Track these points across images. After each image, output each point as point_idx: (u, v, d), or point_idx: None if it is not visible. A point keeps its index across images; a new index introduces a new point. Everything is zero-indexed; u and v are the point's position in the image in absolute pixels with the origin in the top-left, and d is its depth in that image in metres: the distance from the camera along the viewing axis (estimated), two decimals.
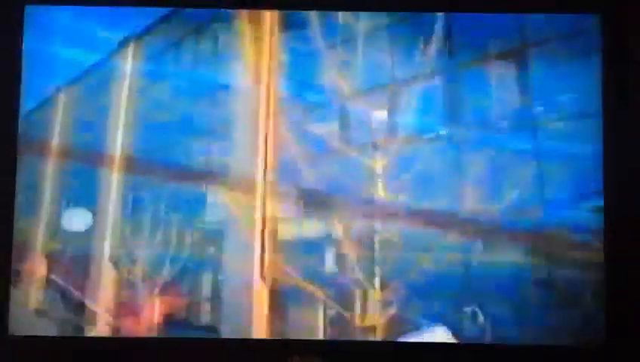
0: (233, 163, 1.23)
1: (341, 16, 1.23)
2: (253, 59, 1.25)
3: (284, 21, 1.24)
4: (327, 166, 1.23)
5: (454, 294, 1.17)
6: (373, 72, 1.23)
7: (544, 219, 1.16)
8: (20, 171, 1.20)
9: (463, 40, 1.21)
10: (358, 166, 1.22)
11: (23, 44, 1.21)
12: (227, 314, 1.20)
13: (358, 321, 1.18)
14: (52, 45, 1.23)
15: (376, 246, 1.19)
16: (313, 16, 1.23)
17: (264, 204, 1.21)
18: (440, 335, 1.16)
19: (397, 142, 1.21)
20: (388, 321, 1.18)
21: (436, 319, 1.16)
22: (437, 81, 1.21)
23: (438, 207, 1.18)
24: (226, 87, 1.24)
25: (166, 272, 1.21)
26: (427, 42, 1.21)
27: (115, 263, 1.23)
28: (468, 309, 1.16)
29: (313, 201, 1.21)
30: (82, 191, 1.25)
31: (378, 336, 1.17)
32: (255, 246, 1.20)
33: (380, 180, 1.20)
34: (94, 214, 1.23)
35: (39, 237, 1.23)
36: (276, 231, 1.21)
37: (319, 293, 1.19)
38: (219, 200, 1.23)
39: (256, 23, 1.25)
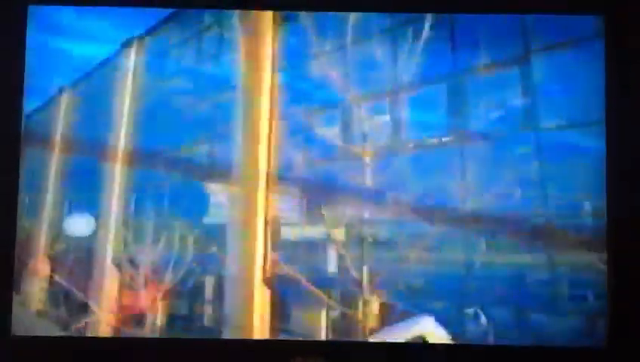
0: (236, 162, 1.23)
1: (341, 17, 1.24)
2: (256, 59, 1.25)
3: (286, 21, 1.25)
4: (329, 166, 1.23)
5: (455, 295, 1.17)
6: (377, 75, 1.22)
7: (546, 219, 1.16)
8: (22, 172, 1.20)
9: (466, 41, 1.21)
10: (358, 166, 1.22)
11: (26, 43, 1.21)
12: (229, 315, 1.20)
13: (358, 320, 1.18)
14: (55, 45, 1.23)
15: (377, 246, 1.19)
16: (314, 16, 1.23)
17: (266, 206, 1.21)
18: (428, 326, 1.16)
19: (399, 144, 1.21)
20: (379, 312, 1.18)
21: (438, 319, 1.17)
22: (440, 82, 1.22)
23: (440, 207, 1.18)
24: (227, 87, 1.24)
25: (168, 273, 1.21)
26: (429, 44, 1.21)
27: (118, 265, 1.23)
28: (470, 311, 1.16)
29: (315, 201, 1.21)
30: (85, 191, 1.25)
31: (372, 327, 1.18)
32: (258, 246, 1.21)
33: (380, 180, 1.20)
34: (97, 217, 1.23)
35: (42, 237, 1.23)
36: (279, 231, 1.21)
37: (321, 293, 1.19)
38: (222, 199, 1.23)
39: (258, 23, 1.25)
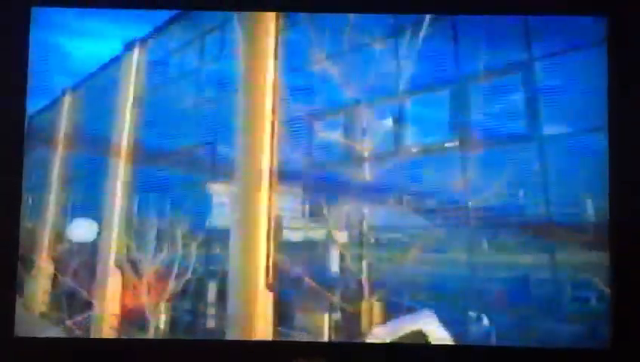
0: (238, 163, 1.24)
1: (344, 18, 1.24)
2: (258, 60, 1.25)
3: (287, 23, 1.25)
4: (331, 166, 1.23)
5: (457, 295, 1.17)
6: (378, 75, 1.22)
7: (547, 220, 1.16)
8: (25, 172, 1.20)
9: (469, 45, 1.21)
10: (360, 166, 1.22)
11: (30, 45, 1.21)
12: (231, 316, 1.20)
13: (360, 320, 1.18)
14: (58, 46, 1.23)
15: (378, 246, 1.19)
16: (315, 17, 1.23)
17: (269, 206, 1.21)
18: (429, 321, 1.16)
19: (401, 145, 1.21)
20: (381, 311, 1.18)
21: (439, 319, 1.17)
22: (443, 87, 1.22)
23: (442, 208, 1.18)
24: (228, 88, 1.25)
25: (171, 274, 1.21)
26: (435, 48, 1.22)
27: (121, 267, 1.23)
28: (472, 314, 1.16)
29: (317, 202, 1.22)
30: (88, 191, 1.25)
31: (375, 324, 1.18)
32: (260, 247, 1.21)
33: (382, 180, 1.20)
34: (100, 218, 1.23)
35: (45, 238, 1.23)
36: (281, 231, 1.21)
37: (324, 294, 1.19)
38: (224, 200, 1.23)
39: (260, 24, 1.25)
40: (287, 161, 1.22)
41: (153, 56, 1.28)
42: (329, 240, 1.21)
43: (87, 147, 1.26)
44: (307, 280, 1.19)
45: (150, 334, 1.21)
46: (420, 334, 1.16)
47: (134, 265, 1.23)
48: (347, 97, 1.22)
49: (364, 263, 1.19)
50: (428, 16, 1.21)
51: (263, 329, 1.19)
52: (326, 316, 1.19)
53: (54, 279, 1.23)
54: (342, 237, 1.20)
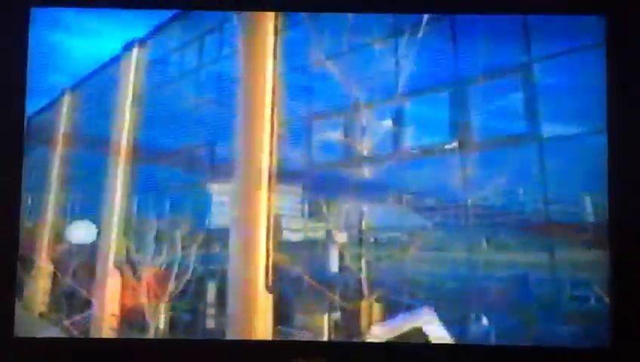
0: (237, 162, 1.24)
1: (344, 19, 1.24)
2: (257, 59, 1.25)
3: (287, 22, 1.25)
4: (330, 166, 1.23)
5: (456, 294, 1.17)
6: (379, 75, 1.23)
7: (546, 219, 1.16)
8: (26, 174, 1.20)
9: (469, 45, 1.21)
10: (359, 165, 1.22)
11: (29, 45, 1.21)
12: (231, 316, 1.20)
13: (360, 319, 1.18)
14: (57, 46, 1.23)
15: (377, 245, 1.19)
16: (315, 17, 1.23)
17: (269, 206, 1.21)
18: (427, 318, 1.16)
19: (401, 145, 1.21)
20: (380, 311, 1.18)
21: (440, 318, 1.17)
22: (443, 88, 1.22)
23: (441, 207, 1.19)
24: (228, 87, 1.25)
25: (171, 274, 1.21)
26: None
27: (120, 267, 1.23)
28: (472, 314, 1.16)
29: (316, 201, 1.22)
30: (87, 191, 1.25)
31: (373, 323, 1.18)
32: (260, 247, 1.21)
33: (381, 179, 1.20)
34: (99, 218, 1.24)
35: (44, 238, 1.23)
36: (281, 231, 1.21)
37: (323, 293, 1.19)
38: (224, 199, 1.23)
39: (259, 24, 1.25)
40: (287, 161, 1.22)
41: (153, 56, 1.28)
42: (328, 239, 1.21)
43: (86, 147, 1.26)
44: (307, 279, 1.19)
45: (150, 334, 1.21)
46: (420, 332, 1.16)
47: (134, 266, 1.23)
48: (347, 97, 1.23)
49: (364, 262, 1.19)
50: (426, 16, 1.21)
51: (262, 328, 1.19)
52: (325, 315, 1.19)
53: (54, 279, 1.22)
54: (341, 236, 1.20)
